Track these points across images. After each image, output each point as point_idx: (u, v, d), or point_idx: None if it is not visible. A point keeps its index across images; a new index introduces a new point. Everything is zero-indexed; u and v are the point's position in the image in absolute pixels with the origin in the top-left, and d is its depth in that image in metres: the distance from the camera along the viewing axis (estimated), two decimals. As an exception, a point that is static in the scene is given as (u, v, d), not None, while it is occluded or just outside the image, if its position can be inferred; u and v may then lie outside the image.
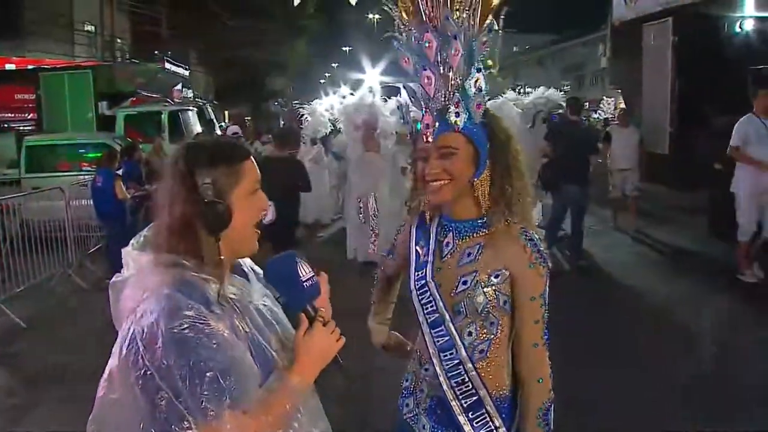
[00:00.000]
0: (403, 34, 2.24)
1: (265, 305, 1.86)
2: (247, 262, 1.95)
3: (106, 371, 1.66)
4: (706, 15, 12.60)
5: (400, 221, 8.15)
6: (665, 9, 12.92)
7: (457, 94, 2.08)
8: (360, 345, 2.38)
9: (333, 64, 51.74)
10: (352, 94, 12.08)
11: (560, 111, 11.84)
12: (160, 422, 1.53)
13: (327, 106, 13.21)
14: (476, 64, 2.10)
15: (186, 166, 1.73)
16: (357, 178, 9.75)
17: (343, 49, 49.25)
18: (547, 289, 2.15)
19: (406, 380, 2.39)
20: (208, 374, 1.54)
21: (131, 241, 1.78)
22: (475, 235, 2.15)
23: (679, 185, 12.85)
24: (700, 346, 6.24)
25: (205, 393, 1.53)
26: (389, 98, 11.77)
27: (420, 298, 2.19)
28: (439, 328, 2.15)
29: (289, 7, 38.13)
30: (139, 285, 1.67)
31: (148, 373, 1.55)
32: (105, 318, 1.80)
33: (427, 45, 2.13)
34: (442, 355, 2.14)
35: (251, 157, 1.81)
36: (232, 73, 37.65)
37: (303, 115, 12.31)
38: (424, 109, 2.17)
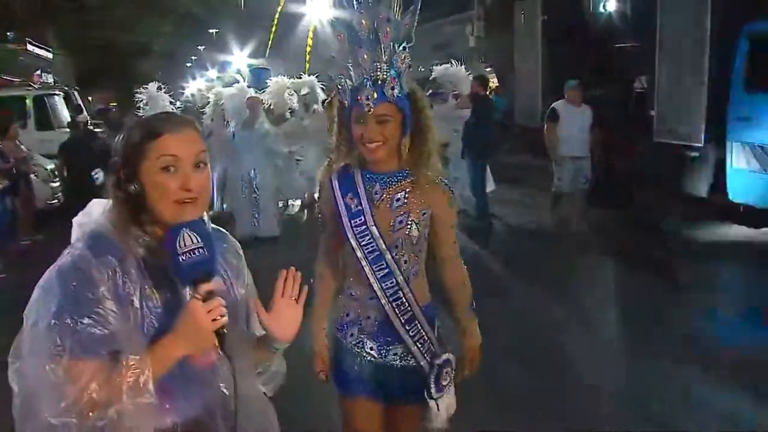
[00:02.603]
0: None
1: None
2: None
3: None
4: (573, -5, 13.28)
5: (278, 196, 8.43)
6: (534, -11, 13.48)
7: (392, 70, 2.48)
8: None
9: (199, 47, 50.37)
10: (219, 77, 12.13)
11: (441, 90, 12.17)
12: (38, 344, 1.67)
13: (194, 90, 12.99)
14: (403, 44, 2.50)
15: (120, 143, 1.83)
16: (240, 155, 10.13)
17: (210, 31, 47.98)
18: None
19: (347, 314, 2.74)
20: (80, 321, 1.66)
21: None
22: (399, 184, 2.60)
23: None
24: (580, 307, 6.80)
25: (75, 332, 1.64)
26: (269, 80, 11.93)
27: (360, 240, 2.59)
28: (380, 263, 2.59)
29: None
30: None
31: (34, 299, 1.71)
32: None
33: (362, 24, 2.48)
34: (383, 284, 2.60)
35: (169, 134, 1.80)
36: (95, 56, 36.21)
37: (141, 100, 11.50)
38: (366, 82, 2.47)
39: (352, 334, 2.72)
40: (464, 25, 29.46)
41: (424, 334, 2.66)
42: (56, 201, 11.86)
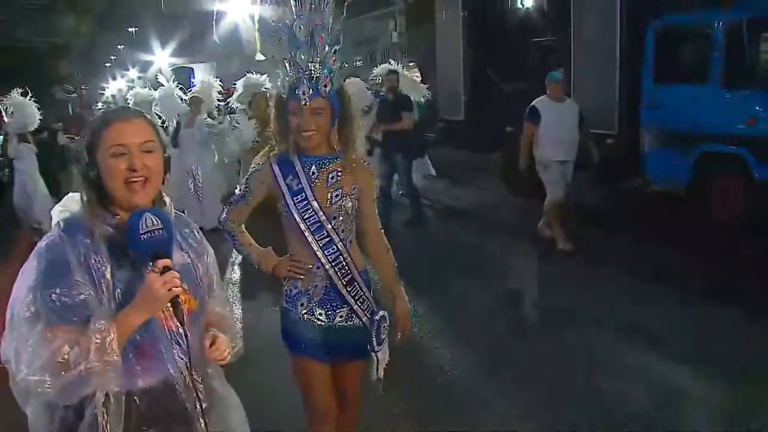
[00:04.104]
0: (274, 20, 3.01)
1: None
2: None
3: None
4: (492, -9, 13.67)
5: (221, 191, 8.70)
6: (455, -15, 13.78)
7: (325, 70, 2.90)
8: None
9: (119, 46, 49.35)
10: (140, 77, 12.11)
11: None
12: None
13: (114, 90, 12.93)
14: (335, 47, 2.94)
15: (86, 132, 2.13)
16: (183, 152, 10.53)
17: (129, 30, 47.02)
18: None
19: (295, 287, 3.11)
20: (53, 292, 1.92)
21: None
22: (331, 165, 3.04)
23: (474, 148, 13.94)
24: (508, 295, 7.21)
25: (50, 302, 1.91)
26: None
27: (303, 214, 3.00)
28: (321, 233, 3.01)
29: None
30: None
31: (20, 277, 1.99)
32: None
33: (299, 30, 2.87)
34: (325, 251, 3.02)
35: (118, 123, 2.07)
36: (9, 57, 34.98)
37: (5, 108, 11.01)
38: (303, 79, 2.89)
39: (302, 304, 3.10)
40: (387, 20, 29.86)
41: (363, 293, 3.12)
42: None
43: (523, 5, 13.35)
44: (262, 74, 10.97)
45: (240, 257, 8.34)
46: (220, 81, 11.86)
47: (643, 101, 9.61)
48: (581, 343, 5.55)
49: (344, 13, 3.02)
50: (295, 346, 3.13)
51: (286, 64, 2.94)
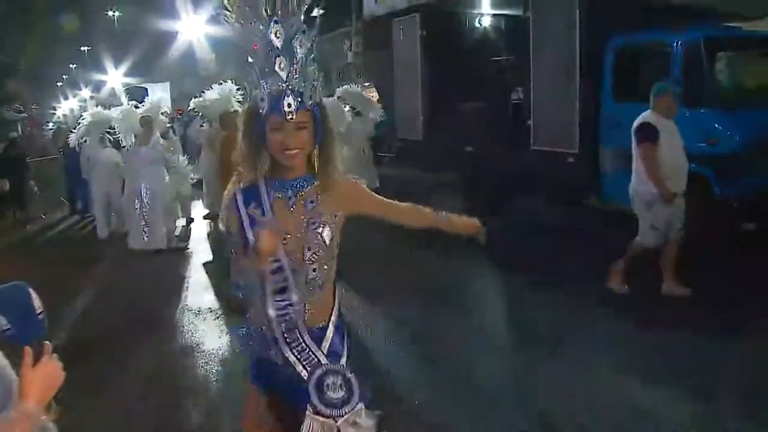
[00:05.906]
0: (245, 23, 2.57)
1: None
2: None
3: None
4: (450, 11, 13.60)
5: (170, 212, 8.67)
6: (412, 5, 13.66)
7: (310, 79, 2.56)
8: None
9: (71, 65, 48.51)
10: (92, 97, 12.25)
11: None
12: None
13: (66, 110, 12.93)
14: (313, 54, 2.59)
15: None
16: (132, 171, 10.66)
17: (81, 48, 46.22)
18: None
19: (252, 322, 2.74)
20: None
21: None
22: (310, 187, 2.65)
23: (433, 169, 13.78)
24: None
25: None
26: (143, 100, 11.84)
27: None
28: (279, 274, 2.57)
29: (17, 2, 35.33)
30: None
31: None
32: None
33: (275, 36, 2.52)
34: (276, 297, 2.57)
35: None
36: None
37: None
38: (287, 91, 2.51)
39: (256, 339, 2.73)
40: (342, 41, 29.85)
41: (303, 344, 2.63)
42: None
43: (481, 24, 13.36)
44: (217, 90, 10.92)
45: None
46: (169, 102, 11.77)
47: (603, 120, 9.56)
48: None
49: (317, 24, 2.65)
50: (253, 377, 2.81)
51: (264, 76, 2.55)
